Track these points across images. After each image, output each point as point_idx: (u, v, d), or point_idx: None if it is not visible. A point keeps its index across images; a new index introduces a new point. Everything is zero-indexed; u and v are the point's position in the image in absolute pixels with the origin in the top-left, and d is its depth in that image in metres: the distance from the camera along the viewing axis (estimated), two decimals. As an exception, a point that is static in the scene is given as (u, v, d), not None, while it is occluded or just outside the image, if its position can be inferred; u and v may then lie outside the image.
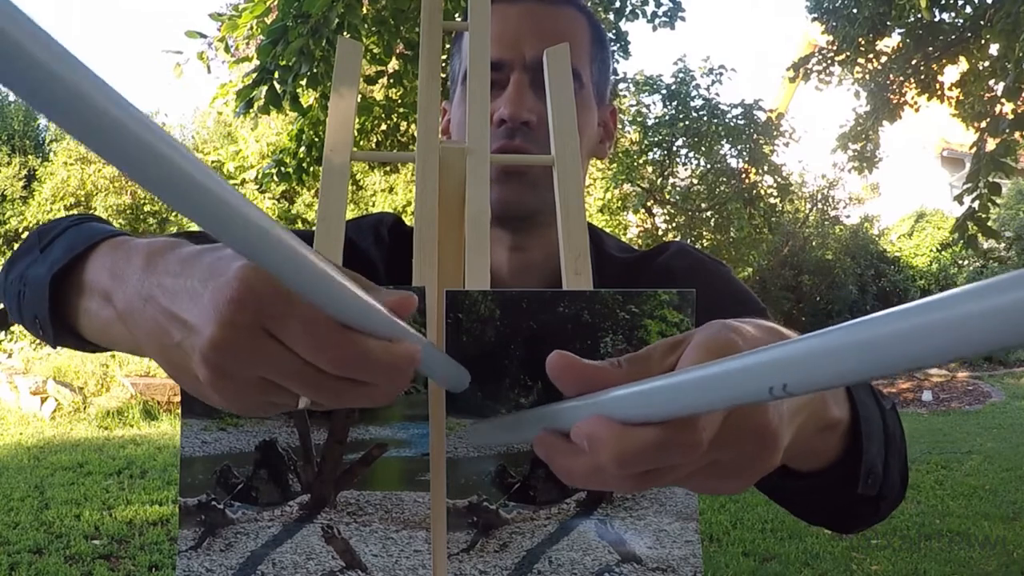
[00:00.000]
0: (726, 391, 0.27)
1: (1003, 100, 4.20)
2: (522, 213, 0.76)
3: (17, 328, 6.37)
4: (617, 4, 5.39)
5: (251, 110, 3.23)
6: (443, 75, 0.80)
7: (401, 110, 4.23)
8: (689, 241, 7.69)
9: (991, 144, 3.91)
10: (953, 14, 5.04)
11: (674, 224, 9.02)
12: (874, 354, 0.21)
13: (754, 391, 0.26)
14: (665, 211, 9.28)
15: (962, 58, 5.05)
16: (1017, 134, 3.83)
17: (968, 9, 4.92)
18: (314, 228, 0.52)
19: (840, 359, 0.23)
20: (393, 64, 3.85)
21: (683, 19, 5.67)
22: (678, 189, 9.22)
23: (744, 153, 8.56)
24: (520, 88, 0.74)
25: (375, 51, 3.65)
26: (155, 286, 0.42)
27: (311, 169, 4.00)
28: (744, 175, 8.68)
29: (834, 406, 0.51)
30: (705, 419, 0.31)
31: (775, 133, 8.44)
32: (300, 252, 0.30)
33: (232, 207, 0.26)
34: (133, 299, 0.44)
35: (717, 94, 8.62)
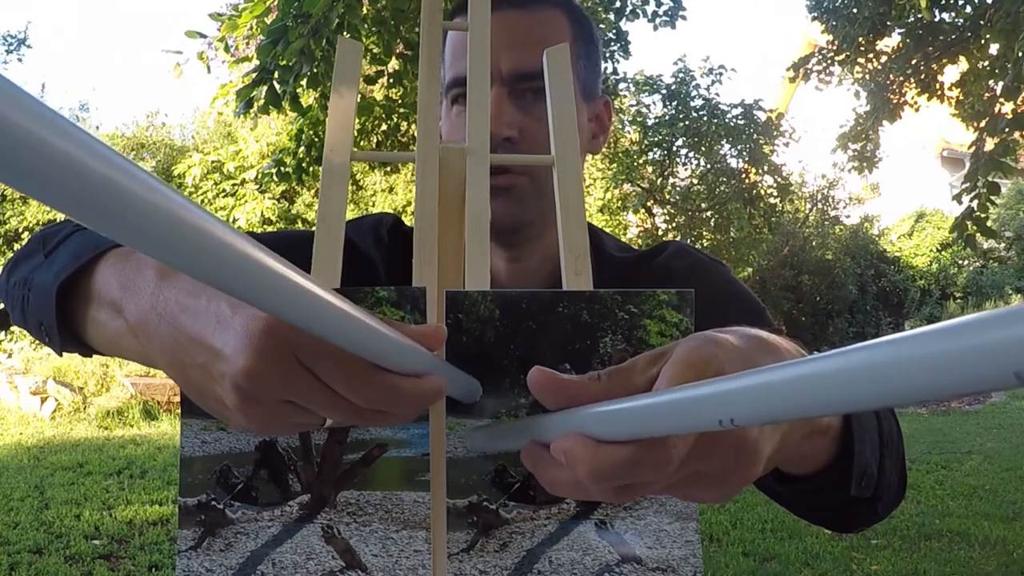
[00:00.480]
0: (680, 419, 0.28)
1: (1002, 100, 4.20)
2: (512, 227, 0.76)
3: (17, 328, 6.38)
4: (617, 4, 5.38)
5: (251, 110, 3.23)
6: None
7: (401, 110, 4.23)
8: (689, 241, 7.68)
9: (990, 144, 3.91)
10: (953, 14, 5.03)
11: (674, 224, 9.02)
12: (819, 394, 0.22)
13: (705, 422, 0.27)
14: (665, 211, 9.28)
15: (962, 58, 5.05)
16: (1016, 134, 3.83)
17: (968, 9, 4.92)
18: (314, 228, 0.52)
19: (785, 397, 0.23)
20: (393, 64, 3.85)
21: (684, 18, 5.66)
22: (678, 189, 9.22)
23: (744, 153, 8.56)
24: (499, 104, 0.72)
25: (375, 51, 3.65)
26: (172, 302, 0.42)
27: (311, 169, 4.00)
28: (744, 175, 8.68)
29: None
30: (677, 437, 0.32)
31: (775, 133, 8.44)
32: (325, 300, 0.30)
33: (252, 260, 0.25)
34: (147, 312, 0.44)
35: (717, 94, 8.63)
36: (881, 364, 0.20)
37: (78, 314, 0.55)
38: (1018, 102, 4.04)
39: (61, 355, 0.60)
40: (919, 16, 4.83)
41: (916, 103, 5.42)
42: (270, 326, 0.36)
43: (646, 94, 8.89)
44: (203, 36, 3.80)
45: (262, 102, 3.16)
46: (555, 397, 0.36)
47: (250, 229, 8.37)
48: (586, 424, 0.33)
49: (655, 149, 8.90)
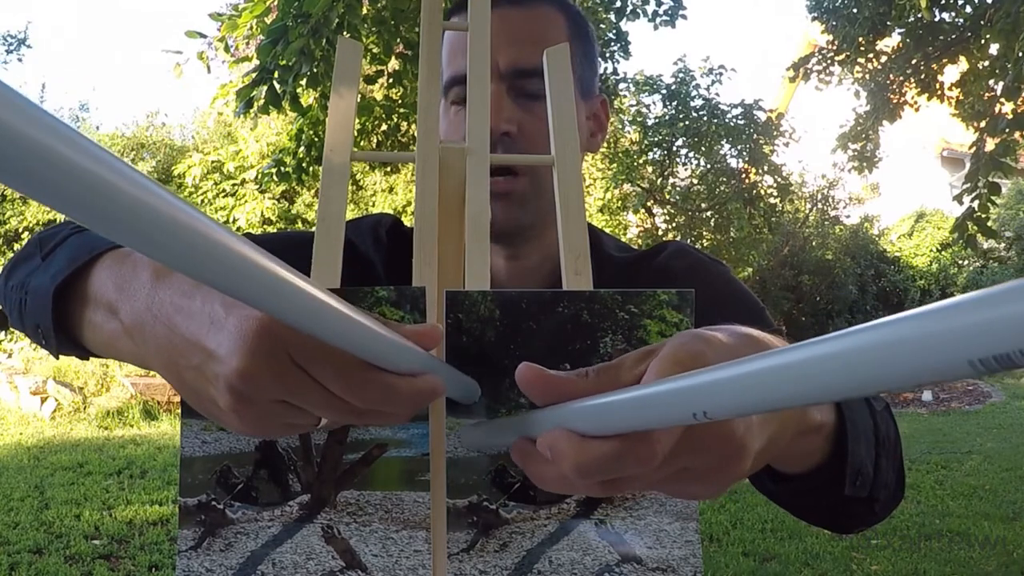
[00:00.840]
0: (656, 412, 0.29)
1: (1002, 100, 4.20)
2: (513, 230, 0.76)
3: (17, 328, 6.35)
4: (617, 4, 5.38)
5: (251, 110, 3.23)
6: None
7: (401, 110, 4.23)
8: (689, 241, 7.68)
9: (990, 144, 3.91)
10: (953, 14, 5.04)
11: (674, 224, 9.01)
12: (792, 384, 0.22)
13: (679, 415, 0.27)
14: (665, 211, 9.27)
15: (962, 58, 5.05)
16: (1017, 134, 3.83)
17: (968, 9, 4.92)
18: (314, 228, 0.52)
19: (752, 389, 0.24)
20: (393, 64, 3.85)
21: (684, 17, 5.67)
22: (678, 189, 9.21)
23: (744, 153, 8.55)
24: (497, 99, 0.72)
25: (375, 51, 3.66)
26: (167, 303, 0.42)
27: (311, 169, 4.00)
28: (744, 175, 8.68)
29: (815, 409, 0.50)
30: (661, 432, 0.32)
31: (775, 133, 8.43)
32: (320, 300, 0.30)
33: (247, 260, 0.25)
34: (142, 314, 0.44)
35: (717, 94, 8.61)
36: (841, 355, 0.20)
37: (74, 316, 0.54)
38: (1018, 102, 4.04)
39: (58, 357, 0.60)
40: (919, 16, 4.83)
41: (916, 103, 5.42)
42: (264, 326, 0.36)
43: (646, 94, 8.88)
44: (203, 36, 3.80)
45: (262, 102, 3.16)
46: (543, 393, 0.36)
47: (250, 229, 8.37)
48: (570, 419, 0.33)
49: (655, 149, 8.90)
